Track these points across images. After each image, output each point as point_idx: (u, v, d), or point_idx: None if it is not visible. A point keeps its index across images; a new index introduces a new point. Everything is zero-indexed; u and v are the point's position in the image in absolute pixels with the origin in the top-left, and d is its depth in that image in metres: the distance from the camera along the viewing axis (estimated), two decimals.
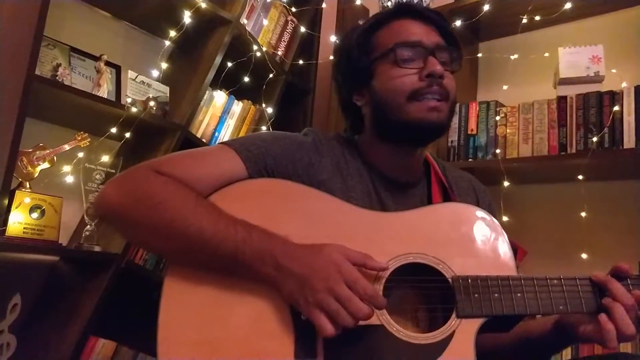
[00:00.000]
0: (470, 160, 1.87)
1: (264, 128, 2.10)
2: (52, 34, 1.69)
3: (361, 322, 0.80)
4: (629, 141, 1.59)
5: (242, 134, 2.07)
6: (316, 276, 0.80)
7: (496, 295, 0.87)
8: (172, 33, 1.92)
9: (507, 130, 1.84)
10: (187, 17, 1.85)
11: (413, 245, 0.91)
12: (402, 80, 0.97)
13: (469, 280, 0.88)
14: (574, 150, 1.67)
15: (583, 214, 1.66)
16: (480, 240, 0.93)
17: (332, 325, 0.78)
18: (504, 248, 0.93)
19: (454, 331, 0.86)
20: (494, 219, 0.95)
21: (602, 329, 0.84)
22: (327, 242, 0.86)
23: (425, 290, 0.92)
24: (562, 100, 1.74)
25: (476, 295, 0.87)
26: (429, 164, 1.11)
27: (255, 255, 0.83)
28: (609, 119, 1.62)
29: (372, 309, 0.79)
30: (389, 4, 2.24)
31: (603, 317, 0.85)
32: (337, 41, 1.13)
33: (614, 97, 1.64)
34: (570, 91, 1.74)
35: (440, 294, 0.90)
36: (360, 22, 1.11)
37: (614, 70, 1.76)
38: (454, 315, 0.87)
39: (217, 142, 1.99)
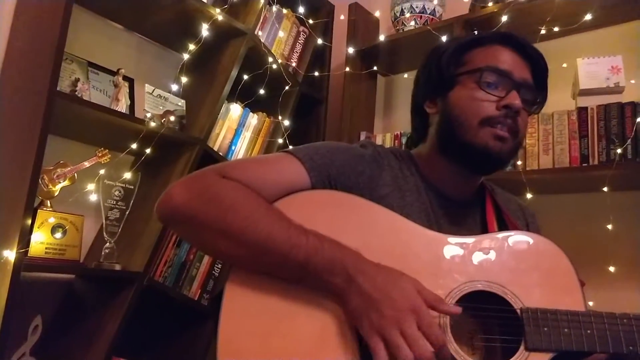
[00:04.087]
0: None
1: (280, 140, 2.08)
2: (67, 48, 1.66)
3: None
4: None
5: (257, 146, 2.05)
6: (387, 303, 0.78)
7: (566, 330, 0.85)
8: (186, 45, 1.91)
9: (527, 141, 1.83)
10: (204, 30, 1.83)
11: (481, 272, 0.89)
12: (479, 103, 0.96)
13: (539, 313, 0.86)
14: (596, 162, 1.66)
15: (609, 226, 1.66)
16: (548, 271, 0.91)
17: (388, 358, 0.77)
18: (571, 281, 0.91)
19: None
20: (560, 250, 0.93)
21: None
22: (393, 261, 0.84)
23: (485, 319, 0.90)
24: (582, 111, 1.73)
25: (545, 328, 0.85)
26: (482, 185, 1.10)
27: (326, 265, 0.81)
28: (631, 130, 1.62)
29: (434, 357, 0.77)
30: (398, 11, 2.24)
31: None
32: (433, 47, 1.12)
33: (636, 108, 1.64)
34: (591, 102, 1.73)
35: (500, 323, 0.89)
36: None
37: (633, 81, 1.76)
38: (522, 348, 0.85)
39: (233, 156, 1.97)
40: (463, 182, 1.05)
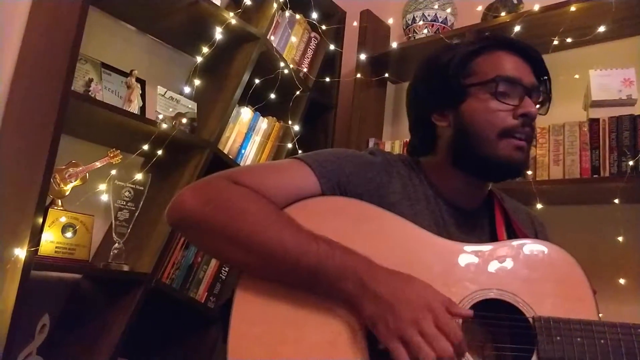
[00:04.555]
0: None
1: (289, 145, 2.08)
2: (81, 48, 1.67)
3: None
4: None
5: (267, 150, 2.05)
6: (403, 305, 0.78)
7: (579, 339, 0.85)
8: (198, 48, 1.91)
9: (538, 152, 1.83)
10: (218, 34, 1.83)
11: (493, 280, 0.88)
12: (497, 115, 0.95)
13: (551, 322, 0.85)
14: (607, 174, 1.66)
15: (620, 238, 1.65)
16: (560, 280, 0.90)
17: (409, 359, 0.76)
18: (584, 290, 0.90)
19: None
20: (573, 259, 0.93)
21: None
22: (404, 268, 0.84)
23: (496, 327, 0.89)
24: (594, 122, 1.73)
25: (558, 337, 0.84)
26: (491, 192, 1.09)
27: (337, 272, 0.81)
28: None
29: (454, 353, 0.77)
30: (410, 19, 2.24)
31: None
32: (427, 57, 1.09)
33: None
34: (602, 114, 1.73)
35: (512, 332, 0.88)
36: (456, 41, 1.07)
37: None
38: (534, 357, 0.84)
39: (242, 159, 1.97)
40: (473, 192, 1.05)
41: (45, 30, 1.58)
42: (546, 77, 1.03)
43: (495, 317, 0.87)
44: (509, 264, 0.91)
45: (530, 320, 0.86)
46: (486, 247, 0.93)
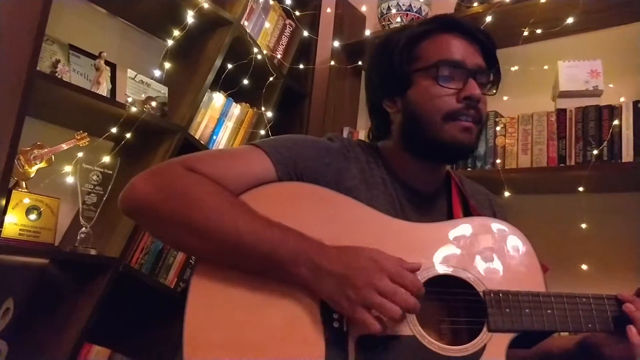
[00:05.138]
0: (469, 169, 1.89)
1: (262, 132, 2.07)
2: (48, 29, 1.63)
3: (392, 332, 0.81)
4: (627, 155, 1.62)
5: (239, 136, 2.05)
6: (357, 274, 0.80)
7: (527, 310, 0.88)
8: (170, 32, 1.89)
9: (506, 141, 1.86)
10: (190, 17, 1.81)
11: (445, 257, 0.91)
12: (440, 99, 0.96)
13: (500, 295, 0.88)
14: (573, 163, 1.69)
15: (583, 225, 1.69)
16: (510, 255, 0.93)
17: (378, 322, 0.78)
18: (533, 264, 0.93)
19: (485, 344, 0.86)
20: (521, 234, 0.95)
21: (632, 343, 0.85)
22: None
23: (451, 303, 0.91)
24: (561, 112, 1.76)
25: (507, 309, 0.87)
26: (449, 175, 1.11)
27: (291, 257, 0.81)
28: (608, 132, 1.65)
29: (417, 302, 0.79)
30: (385, 8, 2.25)
31: (632, 329, 0.86)
32: (378, 42, 1.09)
33: (613, 111, 1.67)
34: (570, 104, 1.76)
35: (465, 306, 0.90)
36: (407, 24, 1.04)
37: (611, 85, 1.79)
38: (485, 329, 0.87)
39: (214, 145, 1.96)
40: (429, 175, 1.06)
41: (11, 9, 1.54)
42: (494, 59, 1.03)
43: (448, 292, 0.90)
44: (459, 240, 0.93)
45: (481, 294, 0.89)
46: (438, 226, 0.95)
